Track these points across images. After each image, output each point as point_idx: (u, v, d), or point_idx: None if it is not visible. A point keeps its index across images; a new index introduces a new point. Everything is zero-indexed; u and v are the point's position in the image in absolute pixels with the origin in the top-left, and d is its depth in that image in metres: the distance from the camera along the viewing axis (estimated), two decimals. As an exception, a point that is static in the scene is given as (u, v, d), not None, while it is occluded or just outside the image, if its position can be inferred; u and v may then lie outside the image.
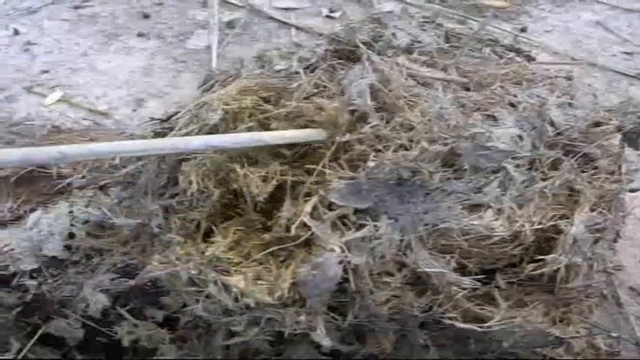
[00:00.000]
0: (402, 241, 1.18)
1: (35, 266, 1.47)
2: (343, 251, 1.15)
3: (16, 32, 2.86)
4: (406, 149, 1.18)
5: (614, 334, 1.65)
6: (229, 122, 1.32)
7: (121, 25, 2.94)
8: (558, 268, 1.17)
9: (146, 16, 2.99)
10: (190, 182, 1.26)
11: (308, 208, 1.19)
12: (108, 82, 2.59)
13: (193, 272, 1.16)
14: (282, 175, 1.28)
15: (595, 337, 1.56)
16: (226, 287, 1.17)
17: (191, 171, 1.26)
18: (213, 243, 1.23)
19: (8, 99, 2.49)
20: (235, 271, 1.18)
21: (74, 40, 2.84)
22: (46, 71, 2.65)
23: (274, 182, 1.26)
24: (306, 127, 1.30)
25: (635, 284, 1.81)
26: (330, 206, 1.20)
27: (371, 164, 1.17)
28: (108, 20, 2.96)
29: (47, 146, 1.17)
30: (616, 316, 1.72)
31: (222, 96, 1.34)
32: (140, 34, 2.87)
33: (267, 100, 1.36)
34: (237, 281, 1.16)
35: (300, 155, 1.33)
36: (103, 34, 2.87)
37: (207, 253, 1.20)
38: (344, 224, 1.20)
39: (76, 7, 3.04)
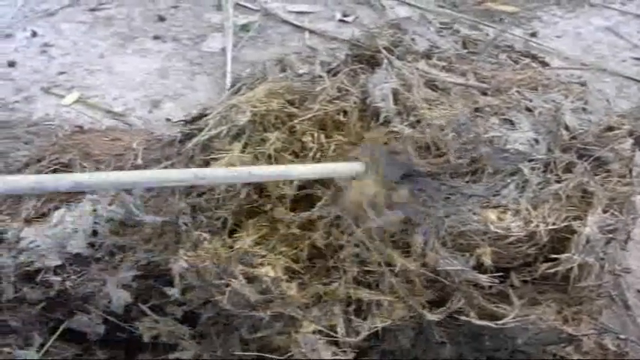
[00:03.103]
0: (425, 243, 1.22)
1: (59, 263, 1.50)
2: None
3: (34, 34, 2.90)
4: (428, 148, 1.23)
5: (622, 336, 1.68)
6: (257, 124, 1.36)
7: (137, 28, 2.97)
8: (571, 268, 1.20)
9: (162, 19, 3.02)
10: None
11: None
12: (124, 84, 2.63)
13: (221, 266, 1.20)
14: None
15: (604, 337, 1.59)
16: (254, 279, 1.21)
17: None
18: (239, 239, 1.26)
19: (27, 99, 2.53)
20: (260, 264, 1.22)
21: (91, 42, 2.88)
22: (64, 72, 2.69)
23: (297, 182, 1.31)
24: (327, 128, 1.35)
25: (642, 287, 1.84)
26: None
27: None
28: (124, 23, 3.00)
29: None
30: (624, 319, 1.75)
31: (250, 99, 1.38)
32: (156, 37, 2.91)
33: (291, 103, 1.39)
34: (266, 272, 1.20)
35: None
36: (120, 37, 2.91)
37: (235, 247, 1.24)
38: None
39: (93, 10, 3.08)
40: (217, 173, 1.22)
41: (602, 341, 1.58)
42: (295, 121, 1.34)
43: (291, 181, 1.30)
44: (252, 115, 1.35)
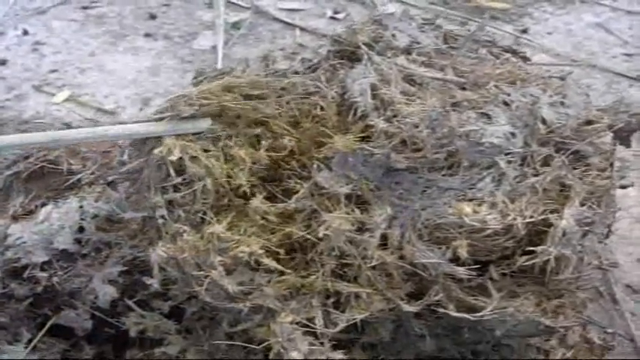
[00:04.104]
0: (402, 236, 1.23)
1: (46, 259, 1.51)
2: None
3: (25, 32, 2.91)
4: (405, 143, 1.25)
5: (609, 330, 1.69)
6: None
7: (128, 26, 2.98)
8: (548, 260, 1.21)
9: (153, 17, 3.03)
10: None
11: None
12: (115, 82, 2.64)
13: (200, 257, 1.22)
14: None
15: (589, 330, 1.60)
16: (232, 267, 1.23)
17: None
18: (210, 227, 1.28)
19: (18, 97, 2.54)
20: (235, 246, 1.24)
21: (82, 40, 2.88)
22: (55, 70, 2.70)
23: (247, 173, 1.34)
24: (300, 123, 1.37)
25: (630, 282, 1.85)
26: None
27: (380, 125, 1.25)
28: (115, 21, 3.01)
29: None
30: (611, 313, 1.76)
31: (204, 91, 1.38)
32: (147, 35, 2.91)
33: (250, 98, 1.40)
34: (241, 250, 1.22)
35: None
36: (111, 35, 2.92)
37: (208, 231, 1.25)
38: None
39: (84, 8, 3.09)
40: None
41: (587, 335, 1.60)
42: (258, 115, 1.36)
43: (242, 169, 1.33)
44: (199, 107, 1.36)
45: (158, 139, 1.37)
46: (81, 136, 1.45)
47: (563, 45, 2.87)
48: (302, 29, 2.93)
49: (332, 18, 3.03)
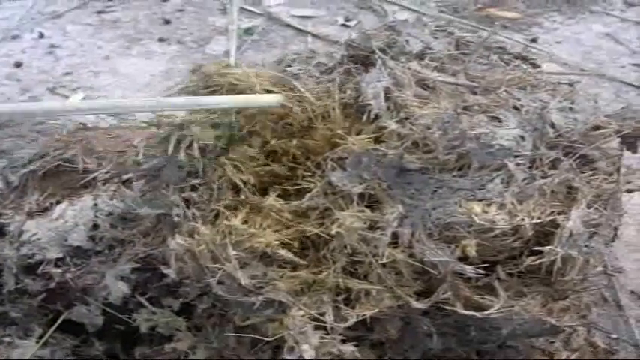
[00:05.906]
0: (412, 235, 1.26)
1: (60, 255, 1.52)
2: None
3: (41, 35, 2.95)
4: (416, 144, 1.27)
5: (613, 336, 1.70)
6: None
7: (142, 30, 3.02)
8: (555, 260, 1.23)
9: (167, 22, 3.07)
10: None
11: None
12: (129, 85, 2.67)
13: (216, 250, 1.25)
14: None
15: (594, 335, 1.61)
16: (247, 260, 1.25)
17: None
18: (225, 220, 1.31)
19: (33, 99, 2.57)
20: (251, 239, 1.27)
21: (97, 43, 2.92)
22: (69, 73, 2.73)
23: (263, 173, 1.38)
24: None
25: (635, 288, 1.86)
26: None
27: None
28: (130, 25, 3.05)
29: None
30: (616, 319, 1.78)
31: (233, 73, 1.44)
32: (161, 39, 2.95)
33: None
34: (258, 241, 1.25)
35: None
36: (125, 39, 2.95)
37: (224, 223, 1.28)
38: None
39: (99, 12, 3.13)
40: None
41: (591, 338, 1.61)
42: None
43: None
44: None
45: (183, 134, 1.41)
46: (148, 105, 1.49)
47: (572, 54, 2.90)
48: (314, 36, 2.96)
49: (343, 25, 3.06)
